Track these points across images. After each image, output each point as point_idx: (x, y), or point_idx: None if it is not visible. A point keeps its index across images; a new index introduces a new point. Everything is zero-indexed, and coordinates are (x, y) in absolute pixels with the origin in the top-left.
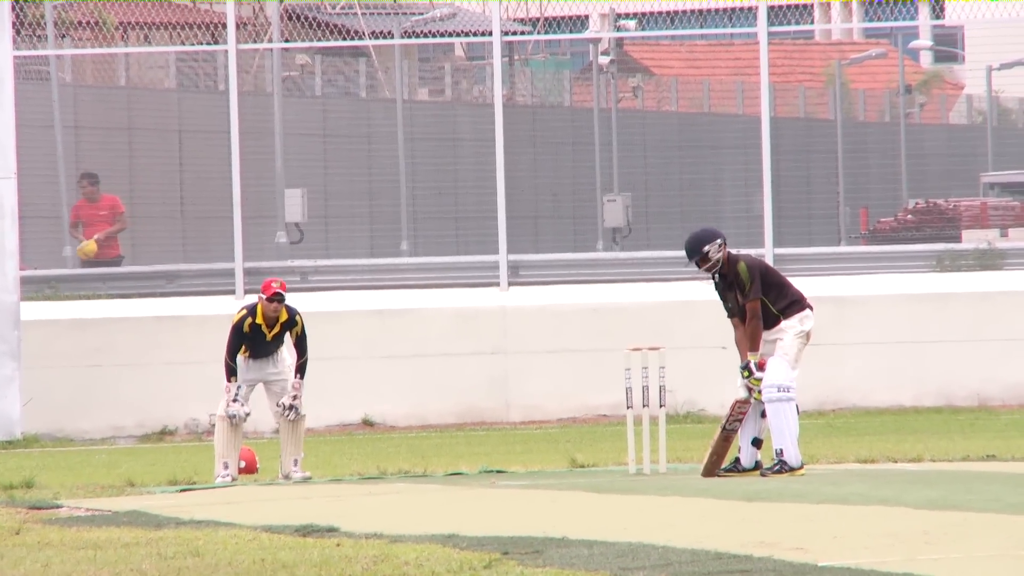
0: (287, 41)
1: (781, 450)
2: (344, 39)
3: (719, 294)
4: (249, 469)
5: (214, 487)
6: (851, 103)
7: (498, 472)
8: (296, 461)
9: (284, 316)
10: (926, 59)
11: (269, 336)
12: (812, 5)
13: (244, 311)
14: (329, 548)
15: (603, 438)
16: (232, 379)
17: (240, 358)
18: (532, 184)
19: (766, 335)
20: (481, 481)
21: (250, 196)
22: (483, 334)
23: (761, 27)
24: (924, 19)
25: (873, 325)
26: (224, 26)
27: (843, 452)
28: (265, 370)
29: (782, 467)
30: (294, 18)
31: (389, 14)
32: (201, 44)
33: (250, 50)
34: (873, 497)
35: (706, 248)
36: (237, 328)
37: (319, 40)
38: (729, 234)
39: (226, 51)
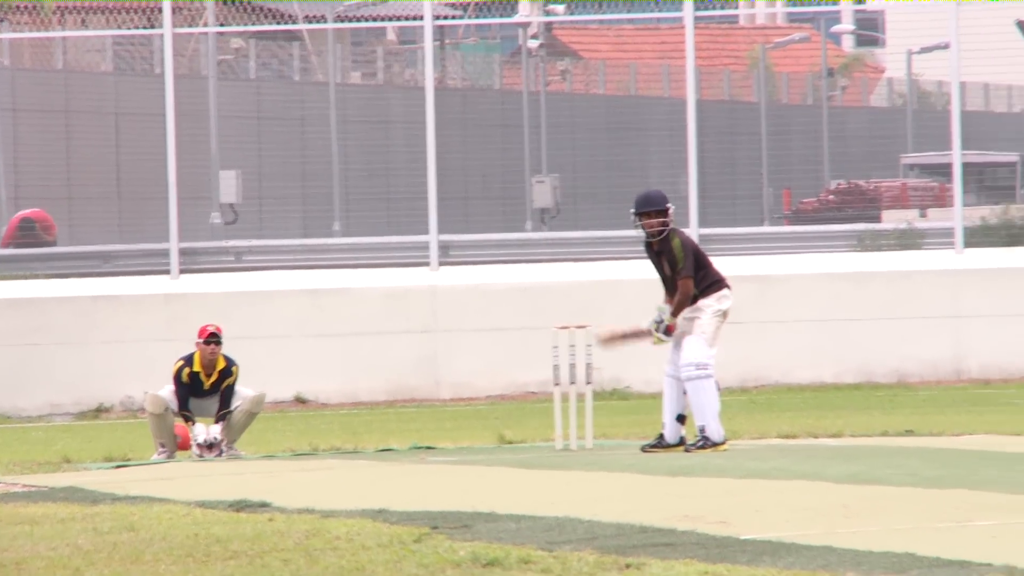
0: (222, 25)
1: (703, 427)
2: (278, 23)
3: (651, 260)
4: (183, 445)
5: (150, 463)
6: (775, 86)
7: (428, 448)
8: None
9: (221, 363)
10: (848, 43)
11: (207, 384)
12: None
13: (181, 361)
14: (262, 523)
15: (531, 415)
16: (191, 423)
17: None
18: (462, 166)
19: (685, 312)
20: (411, 457)
21: (185, 177)
22: (414, 313)
23: (687, 12)
24: (846, 4)
25: (795, 303)
26: (160, 10)
27: (765, 428)
28: (211, 411)
29: (705, 443)
30: (229, 2)
31: None
32: (137, 28)
33: (185, 34)
34: (794, 472)
35: (669, 205)
36: (177, 379)
37: (253, 24)
38: None
39: (162, 35)
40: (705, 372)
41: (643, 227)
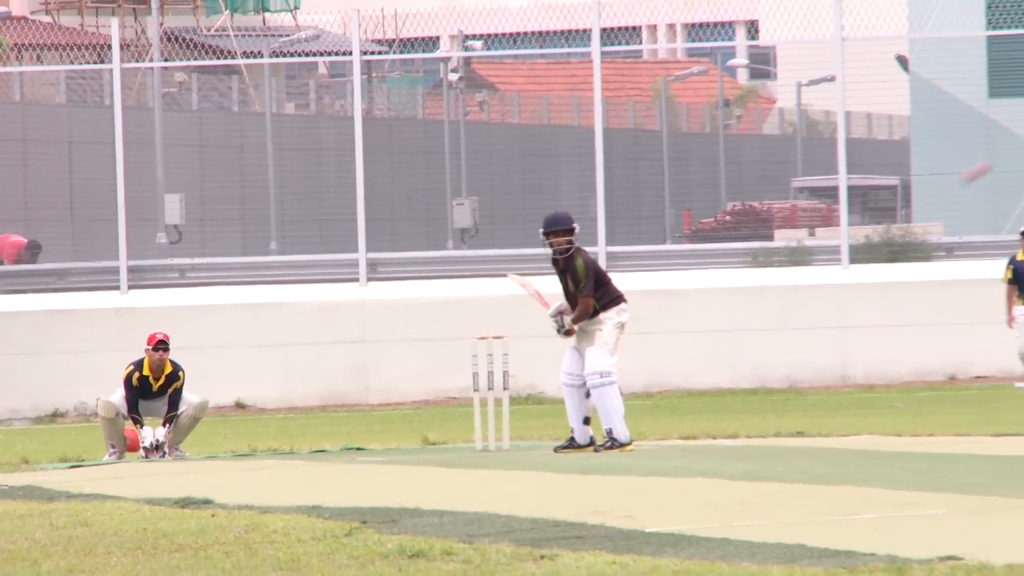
0: (166, 60)
1: (611, 429)
2: (218, 58)
3: (558, 276)
4: (132, 447)
5: (101, 464)
6: (676, 115)
7: (358, 449)
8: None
9: (168, 368)
10: (742, 76)
11: (155, 387)
12: (640, 27)
13: (131, 366)
14: (205, 518)
15: (453, 418)
16: (140, 425)
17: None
18: (389, 189)
19: (587, 324)
20: (342, 457)
21: (133, 201)
22: (345, 325)
23: (594, 47)
24: (741, 40)
25: (695, 315)
26: (110, 47)
27: (668, 430)
28: (160, 412)
29: (613, 444)
30: (173, 39)
31: (259, 36)
32: (89, 63)
33: (133, 68)
34: (694, 470)
35: (574, 225)
36: (127, 382)
37: (195, 59)
38: None
39: (111, 69)
40: (609, 379)
41: (551, 245)
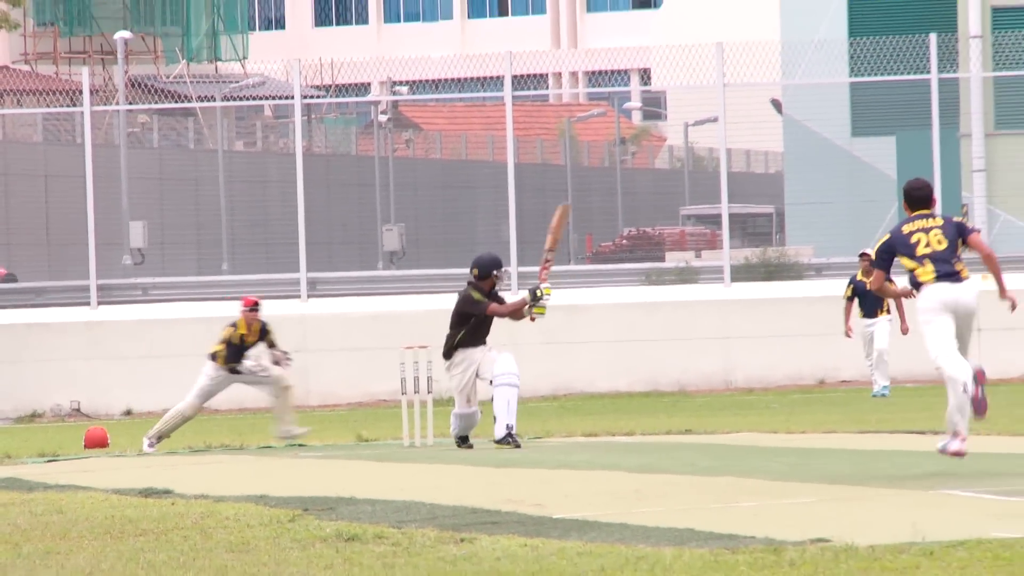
0: (131, 104)
1: (513, 425)
2: (176, 102)
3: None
4: (102, 444)
5: (73, 458)
6: (578, 152)
7: (300, 446)
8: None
9: (258, 325)
10: (637, 117)
11: (249, 342)
12: (547, 75)
13: (229, 327)
14: (166, 506)
15: (383, 418)
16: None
17: (221, 370)
18: (326, 216)
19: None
20: (287, 453)
21: (102, 227)
22: (288, 336)
23: (507, 92)
24: (635, 86)
25: (596, 328)
26: (81, 92)
27: (572, 428)
28: (255, 374)
29: (513, 439)
30: (136, 85)
31: (212, 82)
32: (62, 107)
33: (101, 111)
34: (596, 463)
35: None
36: (228, 341)
37: (156, 103)
38: None
39: (82, 112)
40: (518, 383)
41: (487, 282)
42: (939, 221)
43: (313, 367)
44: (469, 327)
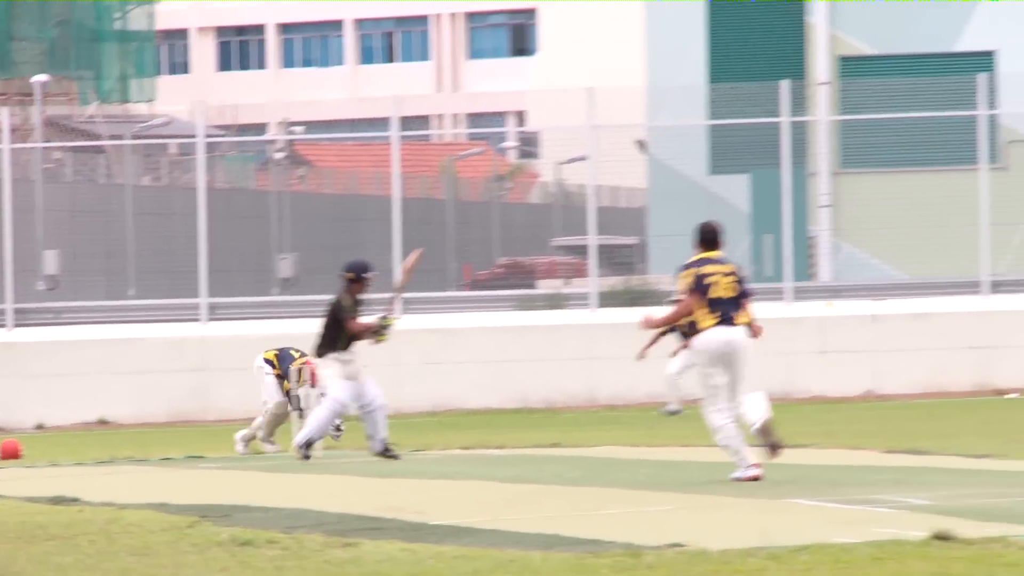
0: (47, 142)
1: (386, 439)
2: (89, 140)
3: (349, 306)
4: (15, 455)
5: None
6: (459, 188)
7: (199, 457)
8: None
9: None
10: (512, 155)
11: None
12: (430, 116)
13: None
14: (74, 513)
15: (277, 432)
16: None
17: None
18: (226, 246)
19: (345, 355)
20: (186, 464)
21: (18, 255)
22: (189, 356)
23: (394, 132)
24: (511, 127)
25: (472, 349)
26: (1, 130)
27: (449, 441)
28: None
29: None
30: (52, 125)
31: (122, 122)
32: None
33: (19, 148)
34: (471, 474)
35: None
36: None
37: (70, 141)
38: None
39: (2, 149)
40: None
41: (359, 285)
42: (731, 268)
43: (212, 385)
44: (342, 333)
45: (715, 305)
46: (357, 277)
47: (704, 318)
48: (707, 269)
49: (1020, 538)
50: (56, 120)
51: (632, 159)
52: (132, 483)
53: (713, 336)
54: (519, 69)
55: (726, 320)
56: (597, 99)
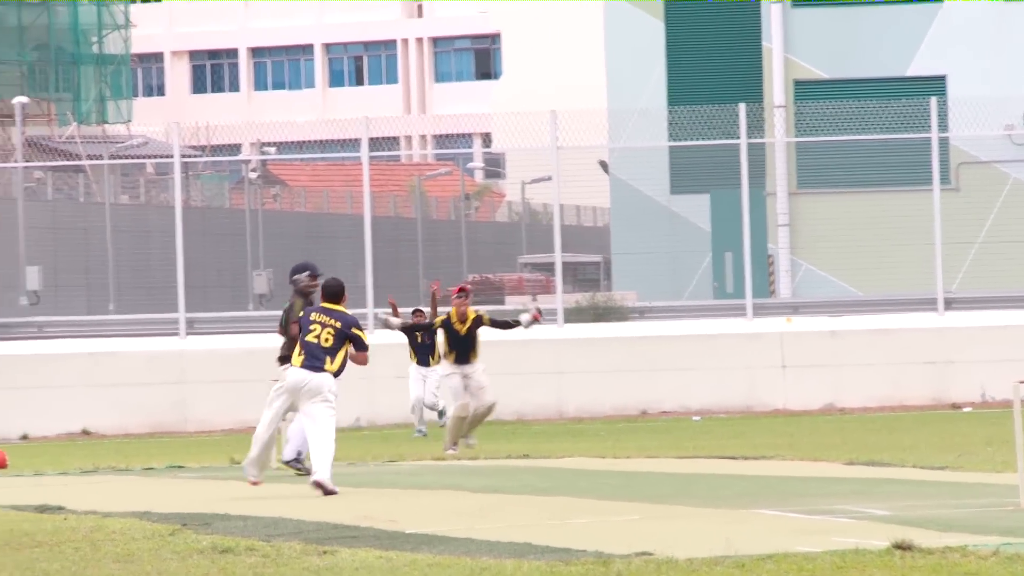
0: (28, 161)
1: (302, 452)
2: (68, 160)
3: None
4: (1, 465)
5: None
6: (427, 207)
7: (179, 467)
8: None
9: (472, 314)
10: (480, 176)
11: (463, 331)
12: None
13: (444, 315)
14: (59, 521)
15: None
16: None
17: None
18: (202, 263)
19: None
20: (167, 474)
21: (1, 271)
22: (168, 369)
23: (364, 153)
24: (477, 148)
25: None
26: None
27: (422, 452)
28: (467, 355)
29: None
30: (32, 145)
31: (100, 142)
32: None
33: (0, 168)
34: (444, 484)
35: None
36: (442, 324)
37: (50, 161)
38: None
39: None
40: None
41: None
42: (339, 325)
43: (190, 397)
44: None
45: (305, 347)
46: (315, 275)
47: (295, 356)
48: (314, 316)
49: (978, 547)
50: (36, 140)
51: (595, 179)
52: (115, 492)
53: (292, 374)
54: (485, 92)
55: (310, 367)
56: (560, 121)
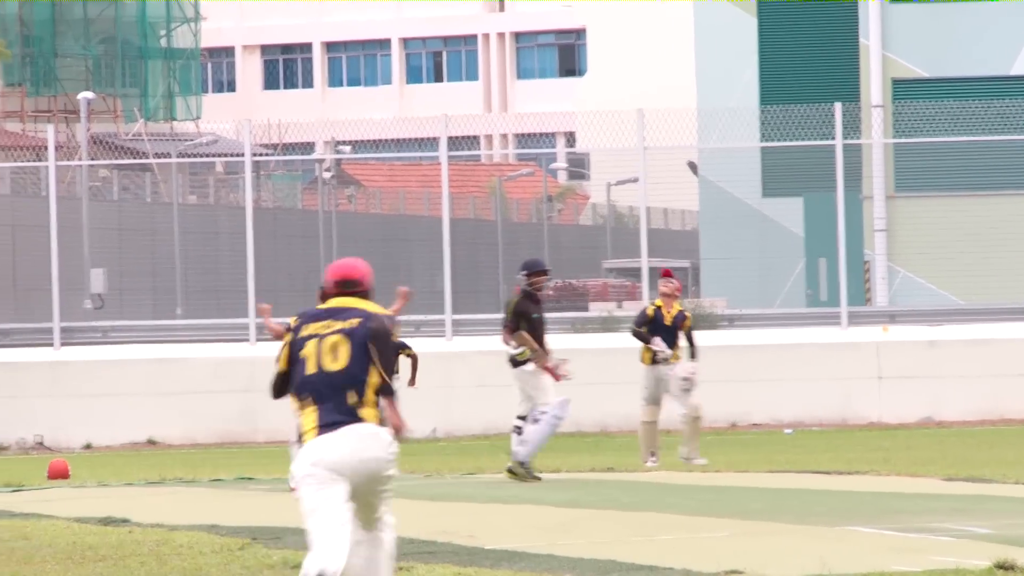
0: (93, 159)
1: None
2: (134, 158)
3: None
4: (63, 475)
5: (36, 489)
6: (508, 208)
7: (249, 479)
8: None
9: (677, 307)
10: (563, 177)
11: (668, 319)
12: (479, 137)
13: (651, 305)
14: (124, 534)
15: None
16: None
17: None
18: (273, 266)
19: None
20: (236, 485)
21: (65, 273)
22: (237, 377)
23: (442, 152)
24: (561, 148)
25: None
26: (46, 148)
27: (501, 465)
28: (670, 343)
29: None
30: (97, 142)
31: (168, 140)
32: (29, 161)
33: (65, 166)
34: (524, 498)
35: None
36: (642, 313)
37: (116, 159)
38: (419, 305)
39: (47, 167)
40: None
41: (533, 285)
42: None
43: (260, 406)
44: None
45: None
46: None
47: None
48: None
49: None
50: (102, 137)
51: (684, 181)
52: (182, 504)
53: None
54: (568, 89)
55: None
56: (647, 120)
